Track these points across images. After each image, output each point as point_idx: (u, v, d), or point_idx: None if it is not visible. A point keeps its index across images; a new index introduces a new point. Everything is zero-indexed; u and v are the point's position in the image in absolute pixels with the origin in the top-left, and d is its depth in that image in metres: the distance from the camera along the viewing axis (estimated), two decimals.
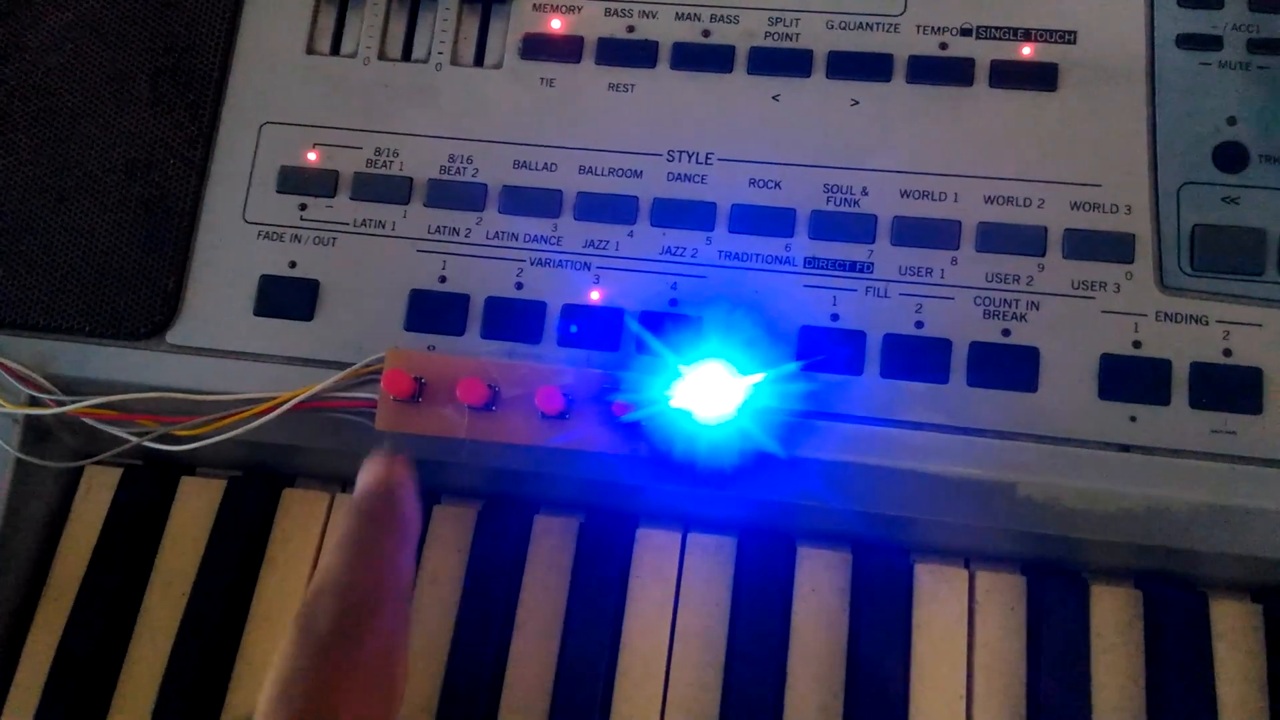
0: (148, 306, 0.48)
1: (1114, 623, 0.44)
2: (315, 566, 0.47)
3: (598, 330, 0.46)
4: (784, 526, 0.47)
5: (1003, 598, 0.45)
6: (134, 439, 0.45)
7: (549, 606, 0.46)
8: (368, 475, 0.41)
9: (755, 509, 0.47)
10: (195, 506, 0.48)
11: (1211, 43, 0.46)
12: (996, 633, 0.45)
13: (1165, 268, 0.45)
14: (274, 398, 0.44)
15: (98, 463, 0.49)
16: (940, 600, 0.45)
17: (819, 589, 0.46)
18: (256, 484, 0.49)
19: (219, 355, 0.47)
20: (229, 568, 0.47)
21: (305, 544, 0.47)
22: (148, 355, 0.47)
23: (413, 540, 0.40)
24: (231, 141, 0.50)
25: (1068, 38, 0.47)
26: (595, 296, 0.47)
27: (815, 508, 0.45)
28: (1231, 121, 0.46)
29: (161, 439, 0.45)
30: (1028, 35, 0.47)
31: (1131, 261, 0.45)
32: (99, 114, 0.50)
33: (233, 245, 0.49)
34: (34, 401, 0.46)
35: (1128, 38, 0.47)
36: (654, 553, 0.47)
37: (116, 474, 0.49)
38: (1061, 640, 0.44)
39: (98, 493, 0.49)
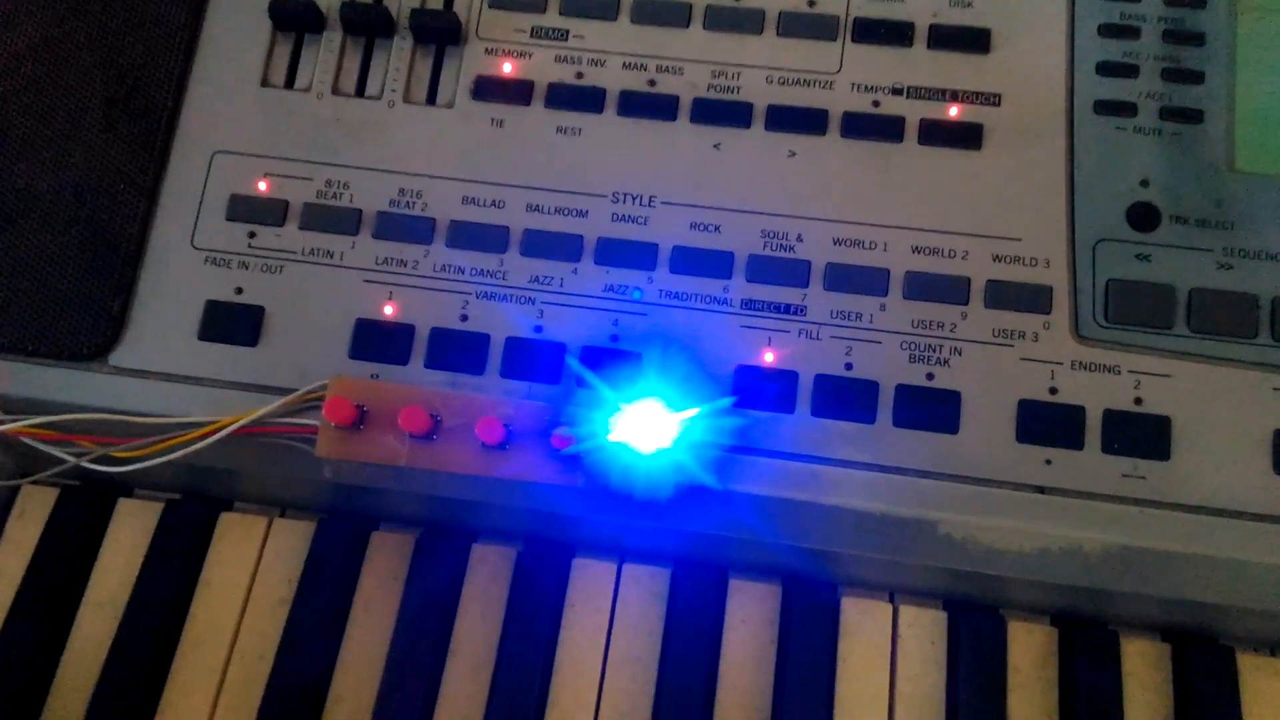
0: (92, 328, 0.48)
1: (1030, 658, 0.46)
2: (251, 590, 0.47)
3: (540, 363, 0.47)
4: (717, 559, 0.48)
5: (924, 631, 0.46)
6: (72, 459, 0.45)
7: (483, 635, 0.47)
8: None
9: (690, 541, 0.48)
10: (132, 528, 0.48)
11: (1127, 109, 0.49)
12: (918, 665, 0.46)
13: (1081, 319, 0.47)
14: (215, 422, 0.44)
15: (35, 482, 0.48)
16: (865, 632, 0.46)
17: (749, 620, 0.47)
18: (194, 507, 0.49)
19: (161, 378, 0.48)
20: (163, 590, 0.47)
21: (242, 567, 0.48)
22: (90, 376, 0.48)
23: None
24: (182, 169, 0.50)
25: (993, 100, 0.50)
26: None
27: (747, 541, 0.46)
28: (1145, 183, 0.48)
29: (100, 460, 0.45)
30: (955, 96, 0.50)
31: (1049, 312, 0.47)
32: (51, 139, 0.51)
33: (180, 270, 0.49)
34: None
35: (1048, 102, 0.50)
36: (589, 583, 0.47)
37: (53, 494, 0.49)
38: (979, 674, 0.45)
39: (33, 513, 0.49)
